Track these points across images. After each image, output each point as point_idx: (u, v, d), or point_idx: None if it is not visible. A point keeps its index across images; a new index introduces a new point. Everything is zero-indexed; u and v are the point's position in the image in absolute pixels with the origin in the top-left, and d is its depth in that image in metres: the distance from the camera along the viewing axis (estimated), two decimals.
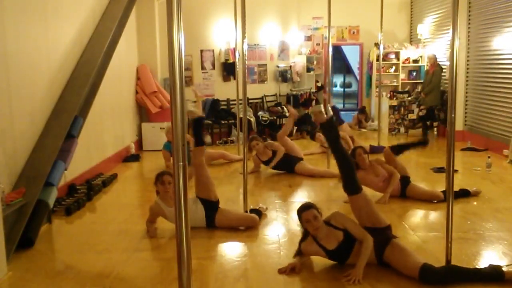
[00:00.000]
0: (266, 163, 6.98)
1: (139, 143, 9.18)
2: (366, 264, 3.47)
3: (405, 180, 5.48)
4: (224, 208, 4.73)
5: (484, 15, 8.41)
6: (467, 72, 9.07)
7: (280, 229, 4.64)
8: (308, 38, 11.55)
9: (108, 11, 7.05)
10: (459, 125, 9.03)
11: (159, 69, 9.62)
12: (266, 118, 10.29)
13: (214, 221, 4.59)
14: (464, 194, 5.46)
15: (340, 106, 15.67)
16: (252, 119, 9.99)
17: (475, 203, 5.27)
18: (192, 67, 10.40)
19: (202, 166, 4.63)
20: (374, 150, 8.20)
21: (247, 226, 4.61)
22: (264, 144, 7.04)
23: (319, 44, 11.60)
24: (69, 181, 5.89)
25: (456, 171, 6.36)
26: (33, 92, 4.94)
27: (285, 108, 10.69)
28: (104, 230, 4.73)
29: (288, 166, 6.92)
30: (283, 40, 11.24)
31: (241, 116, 5.98)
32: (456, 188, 5.42)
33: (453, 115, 3.36)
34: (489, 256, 3.88)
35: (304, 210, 3.63)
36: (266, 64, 11.03)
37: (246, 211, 4.90)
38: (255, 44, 10.78)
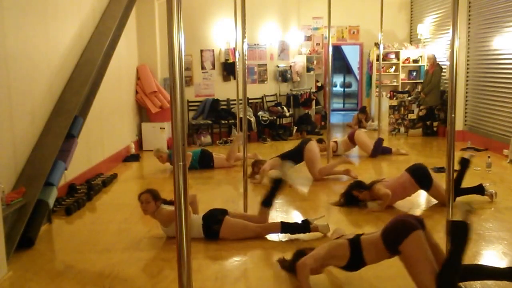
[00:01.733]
0: None
1: (139, 143, 9.18)
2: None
3: None
4: (230, 218, 4.40)
5: (484, 15, 8.41)
6: (467, 72, 9.07)
7: None
8: (308, 38, 11.55)
9: (108, 11, 7.05)
10: (459, 125, 9.03)
11: (159, 69, 9.61)
12: (266, 118, 10.29)
13: (217, 234, 4.34)
14: (478, 191, 5.33)
15: (340, 106, 15.69)
16: (252, 119, 9.99)
17: (475, 203, 5.27)
18: (192, 67, 10.39)
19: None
20: (385, 151, 8.12)
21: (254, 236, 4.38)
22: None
23: (319, 44, 11.60)
24: (69, 181, 5.89)
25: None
26: (33, 92, 4.94)
27: (285, 108, 10.69)
28: (104, 230, 4.73)
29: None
30: (283, 40, 11.23)
31: (241, 116, 5.97)
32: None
33: (453, 115, 3.36)
34: (489, 256, 3.88)
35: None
36: (266, 64, 11.02)
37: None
38: (255, 44, 10.78)
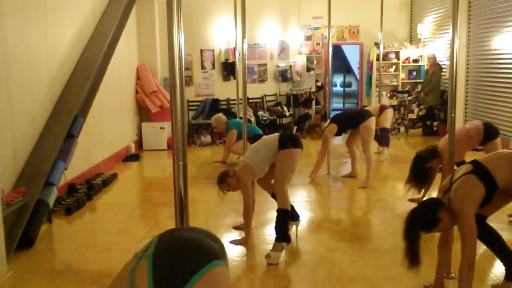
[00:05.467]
0: None
1: (139, 143, 9.19)
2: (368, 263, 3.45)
3: None
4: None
5: (484, 15, 8.41)
6: (467, 72, 9.08)
7: None
8: (308, 38, 11.55)
9: (108, 11, 7.05)
10: (459, 125, 8.98)
11: (159, 69, 9.61)
12: (266, 118, 10.30)
13: None
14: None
15: (340, 105, 15.69)
16: (252, 119, 9.98)
17: None
18: (192, 67, 10.39)
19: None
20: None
21: None
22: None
23: (319, 43, 11.60)
24: (69, 180, 5.89)
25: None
26: (33, 92, 4.94)
27: (285, 108, 10.69)
28: (104, 230, 4.73)
29: None
30: (283, 39, 11.23)
31: (241, 115, 5.98)
32: None
33: (453, 115, 3.36)
34: (489, 256, 3.88)
35: None
36: (266, 64, 11.02)
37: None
38: (255, 44, 10.77)
